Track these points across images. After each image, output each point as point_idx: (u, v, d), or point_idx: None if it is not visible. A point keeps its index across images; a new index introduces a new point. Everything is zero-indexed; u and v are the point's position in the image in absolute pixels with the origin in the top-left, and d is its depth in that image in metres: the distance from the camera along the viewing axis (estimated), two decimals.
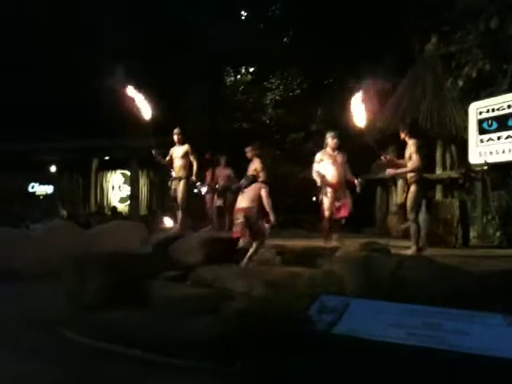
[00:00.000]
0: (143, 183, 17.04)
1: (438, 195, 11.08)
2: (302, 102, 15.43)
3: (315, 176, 6.92)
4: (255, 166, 7.63)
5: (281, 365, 3.05)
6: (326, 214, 6.85)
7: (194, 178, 8.22)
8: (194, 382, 3.14)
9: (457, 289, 3.70)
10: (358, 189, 7.03)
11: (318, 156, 7.00)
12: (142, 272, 5.23)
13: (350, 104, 6.37)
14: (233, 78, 16.98)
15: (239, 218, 5.93)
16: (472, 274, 4.52)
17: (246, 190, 6.19)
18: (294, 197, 13.80)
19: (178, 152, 8.27)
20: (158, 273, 5.68)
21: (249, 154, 8.01)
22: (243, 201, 6.07)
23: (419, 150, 5.83)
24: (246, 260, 5.77)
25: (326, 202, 6.89)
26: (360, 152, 13.10)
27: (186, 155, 8.19)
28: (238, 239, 5.93)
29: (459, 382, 2.48)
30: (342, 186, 7.04)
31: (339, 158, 7.03)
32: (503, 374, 2.40)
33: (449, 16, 9.08)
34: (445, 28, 9.58)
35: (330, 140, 7.01)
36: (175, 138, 8.27)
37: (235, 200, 6.69)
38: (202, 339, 3.49)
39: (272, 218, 5.92)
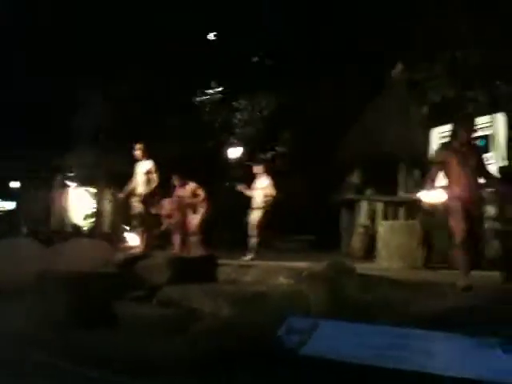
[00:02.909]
0: (108, 200, 16.79)
1: (401, 218, 11.31)
2: (269, 123, 15.60)
3: None
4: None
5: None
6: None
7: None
8: None
9: (420, 309, 3.78)
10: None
11: None
12: (108, 291, 5.14)
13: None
14: (201, 98, 17.03)
15: None
16: (436, 294, 4.63)
17: None
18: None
19: (140, 168, 8.22)
20: (124, 292, 5.59)
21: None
22: None
23: None
24: None
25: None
26: (329, 173, 13.37)
27: (147, 172, 8.14)
28: None
29: None
30: None
31: None
32: None
33: (415, 45, 9.40)
34: (411, 56, 9.89)
35: None
36: (137, 153, 8.21)
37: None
38: (172, 359, 3.44)
39: None
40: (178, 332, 4.17)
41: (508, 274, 5.73)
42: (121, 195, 8.47)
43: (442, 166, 5.09)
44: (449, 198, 5.08)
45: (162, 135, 13.30)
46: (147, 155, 8.23)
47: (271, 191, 8.86)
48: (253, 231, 8.80)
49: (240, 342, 3.41)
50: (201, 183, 8.79)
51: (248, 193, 8.90)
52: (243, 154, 15.15)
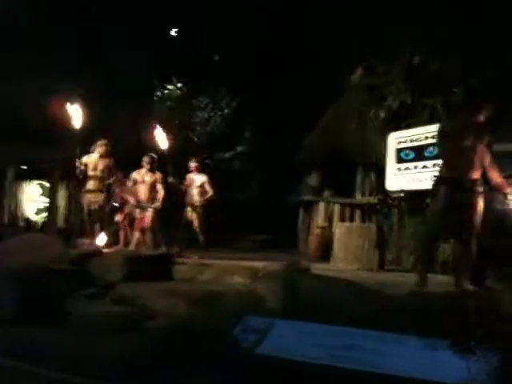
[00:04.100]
0: (62, 195, 16.38)
1: (357, 220, 11.50)
2: (230, 122, 15.55)
3: None
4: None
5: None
6: None
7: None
8: None
9: (375, 310, 3.84)
10: None
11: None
12: (59, 288, 5.01)
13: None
14: (160, 94, 16.79)
15: None
16: (388, 296, 4.72)
17: None
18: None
19: (100, 164, 8.07)
20: (76, 289, 5.45)
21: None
22: None
23: None
24: None
25: None
26: (287, 174, 13.49)
27: (109, 169, 8.03)
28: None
29: None
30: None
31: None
32: None
33: (374, 49, 9.54)
34: (371, 60, 10.04)
35: None
36: (101, 149, 8.06)
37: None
38: (122, 358, 3.38)
39: None
40: (131, 330, 4.10)
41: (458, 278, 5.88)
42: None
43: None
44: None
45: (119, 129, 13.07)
46: (110, 152, 8.12)
47: (208, 189, 8.83)
48: (197, 229, 8.76)
49: (194, 340, 3.37)
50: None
51: (183, 189, 8.84)
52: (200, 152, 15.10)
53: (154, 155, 8.55)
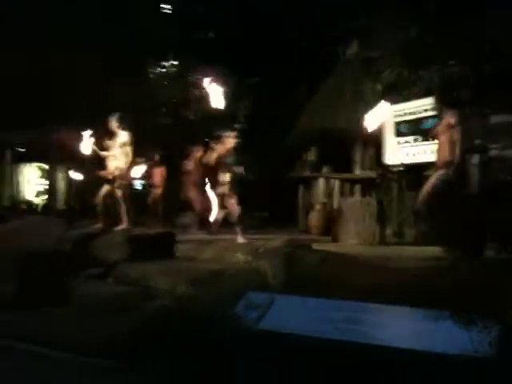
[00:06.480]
0: (61, 177, 16.39)
1: (357, 195, 11.52)
2: (227, 99, 15.42)
3: None
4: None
5: (203, 362, 3.04)
6: None
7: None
8: (111, 381, 3.07)
9: (377, 284, 3.88)
10: None
11: None
12: (62, 269, 5.04)
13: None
14: (156, 71, 16.62)
15: None
16: (390, 269, 4.76)
17: None
18: None
19: (114, 141, 7.91)
20: (79, 270, 5.49)
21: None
22: None
23: None
24: None
25: None
26: (285, 151, 13.44)
27: (123, 144, 7.86)
28: None
29: (383, 375, 2.59)
30: None
31: None
32: (423, 366, 2.54)
33: (370, 23, 9.45)
34: (366, 34, 9.95)
35: None
36: (112, 125, 7.87)
37: None
38: (123, 338, 3.41)
39: None
40: (133, 310, 4.13)
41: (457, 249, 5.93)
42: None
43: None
44: None
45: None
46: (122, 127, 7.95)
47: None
48: None
49: (196, 319, 3.41)
50: None
51: None
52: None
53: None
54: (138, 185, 11.49)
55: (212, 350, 3.06)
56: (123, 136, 7.83)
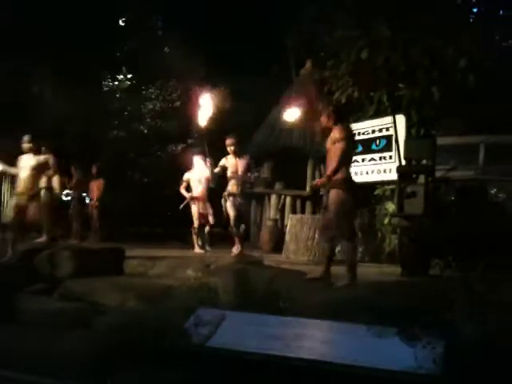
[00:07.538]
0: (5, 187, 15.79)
1: (308, 211, 11.69)
2: (181, 114, 15.41)
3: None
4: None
5: (154, 379, 2.99)
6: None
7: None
8: None
9: (325, 300, 3.93)
10: None
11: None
12: (6, 284, 4.85)
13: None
14: (110, 84, 16.44)
15: None
16: (337, 286, 4.84)
17: None
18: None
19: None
20: (24, 285, 5.29)
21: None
22: None
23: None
24: None
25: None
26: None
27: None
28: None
29: None
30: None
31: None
32: (371, 382, 2.59)
33: (324, 43, 9.69)
34: (320, 54, 10.19)
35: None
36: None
37: None
38: (71, 356, 3.31)
39: None
40: (81, 327, 4.02)
41: (404, 268, 6.12)
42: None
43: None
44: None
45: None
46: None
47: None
48: None
49: (145, 336, 3.35)
50: None
51: None
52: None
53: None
54: (65, 197, 11.25)
55: (161, 367, 3.02)
56: (36, 159, 7.49)
